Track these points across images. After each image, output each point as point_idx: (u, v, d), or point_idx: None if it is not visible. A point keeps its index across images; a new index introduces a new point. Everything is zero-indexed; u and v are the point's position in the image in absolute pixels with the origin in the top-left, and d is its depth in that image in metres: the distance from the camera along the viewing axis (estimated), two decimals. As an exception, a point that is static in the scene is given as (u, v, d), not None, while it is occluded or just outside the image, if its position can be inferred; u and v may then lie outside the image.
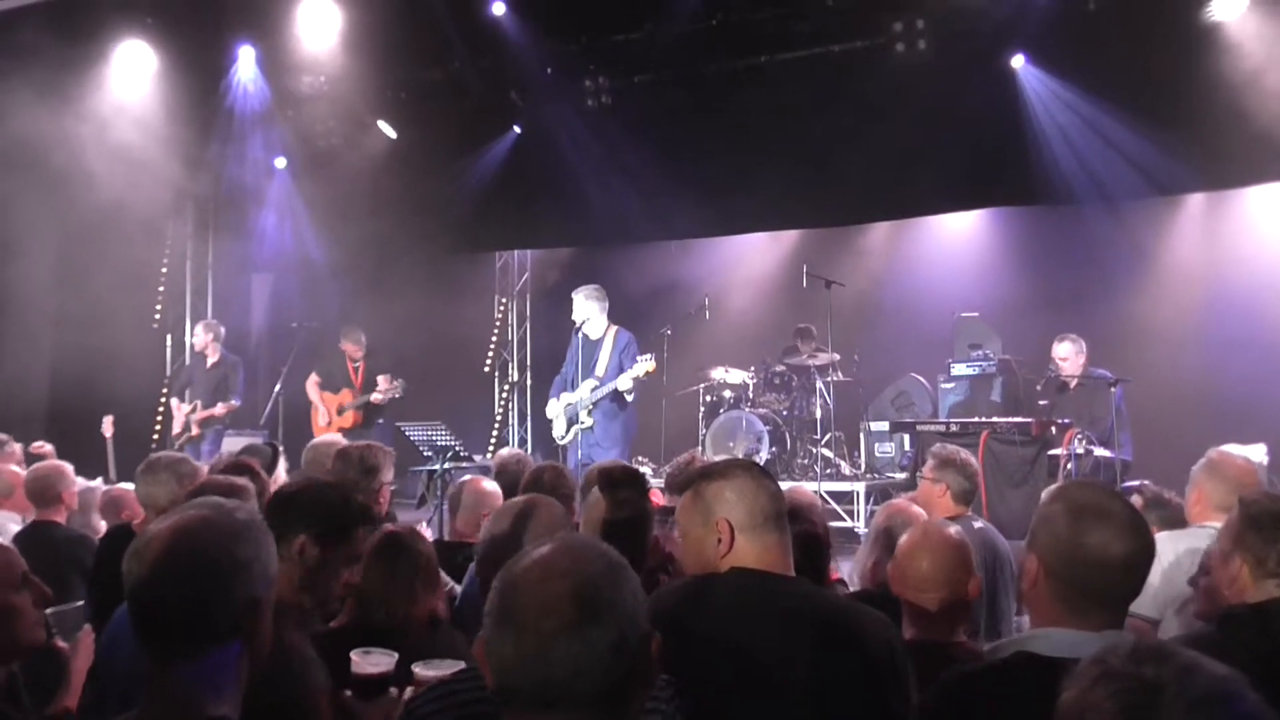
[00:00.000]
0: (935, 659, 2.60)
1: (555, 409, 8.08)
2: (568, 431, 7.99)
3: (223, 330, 9.75)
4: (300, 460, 5.11)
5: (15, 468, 5.43)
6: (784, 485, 4.97)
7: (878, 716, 2.11)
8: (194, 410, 9.42)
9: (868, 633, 2.19)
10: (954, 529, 2.87)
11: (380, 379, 9.11)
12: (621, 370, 7.78)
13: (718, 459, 2.64)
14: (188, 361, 11.00)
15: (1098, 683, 1.30)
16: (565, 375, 8.13)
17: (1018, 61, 8.56)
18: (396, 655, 2.40)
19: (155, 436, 10.79)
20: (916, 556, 2.74)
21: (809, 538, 3.01)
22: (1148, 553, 1.98)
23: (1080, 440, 7.03)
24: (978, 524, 4.19)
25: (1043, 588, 1.99)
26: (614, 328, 7.99)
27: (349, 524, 2.59)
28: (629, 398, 7.83)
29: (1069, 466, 6.97)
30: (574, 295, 8.01)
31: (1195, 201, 9.50)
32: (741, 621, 2.17)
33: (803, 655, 2.10)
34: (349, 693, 2.36)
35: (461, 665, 2.40)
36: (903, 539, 2.87)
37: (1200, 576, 2.82)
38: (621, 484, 3.17)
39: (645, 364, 7.68)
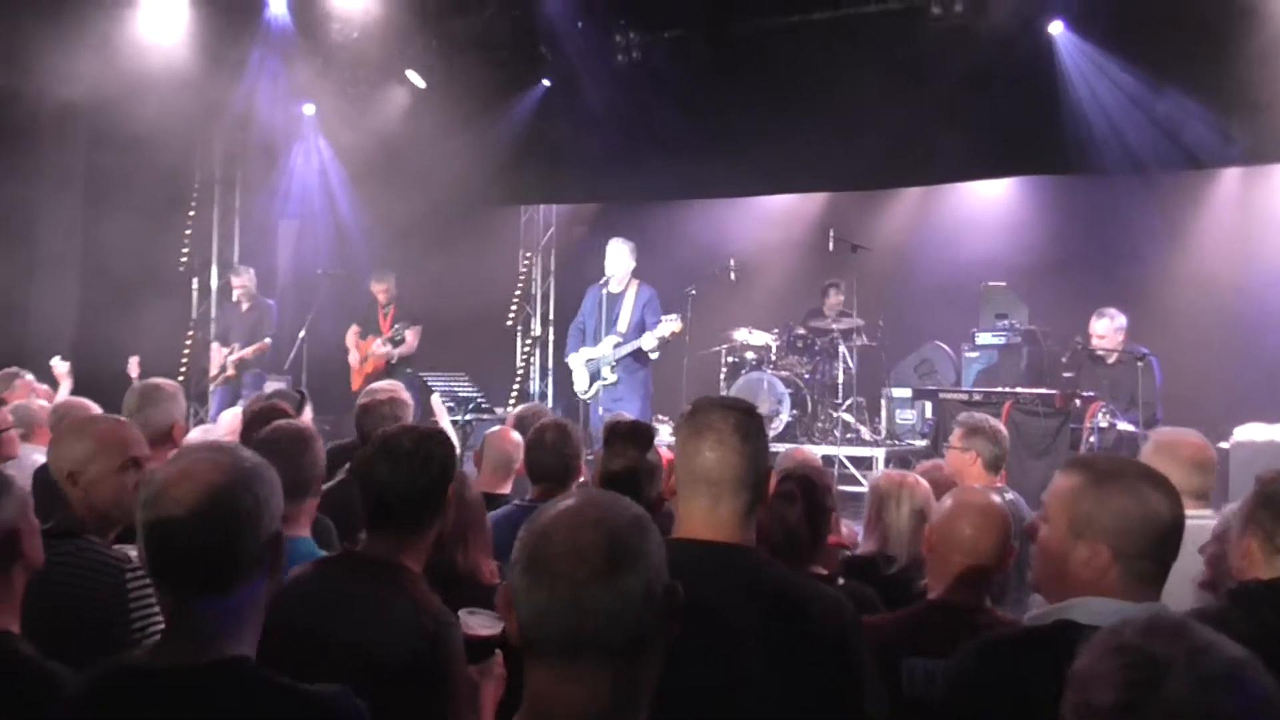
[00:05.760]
0: (962, 624, 2.61)
1: (576, 363, 8.07)
2: (590, 386, 8.00)
3: (252, 276, 9.92)
4: (325, 406, 5.14)
5: (43, 402, 5.48)
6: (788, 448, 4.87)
7: (826, 697, 2.05)
8: (231, 352, 9.61)
9: (814, 611, 2.11)
10: (996, 496, 2.85)
11: (408, 332, 9.15)
12: (643, 326, 7.77)
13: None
14: (214, 305, 11.16)
15: (1108, 654, 1.30)
16: (582, 327, 8.11)
17: (1056, 28, 8.42)
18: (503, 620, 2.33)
19: (180, 378, 10.89)
20: (959, 521, 2.73)
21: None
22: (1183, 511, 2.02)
23: (1104, 414, 6.98)
24: (1009, 495, 4.06)
25: (1114, 574, 1.95)
26: (635, 282, 7.98)
27: None
28: (653, 356, 7.82)
29: (1091, 440, 6.93)
30: (611, 244, 7.97)
31: (1231, 176, 9.35)
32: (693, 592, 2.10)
33: (752, 631, 2.04)
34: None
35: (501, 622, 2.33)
36: (945, 501, 2.84)
37: (1210, 544, 2.81)
38: (620, 437, 3.25)
39: (671, 324, 7.64)
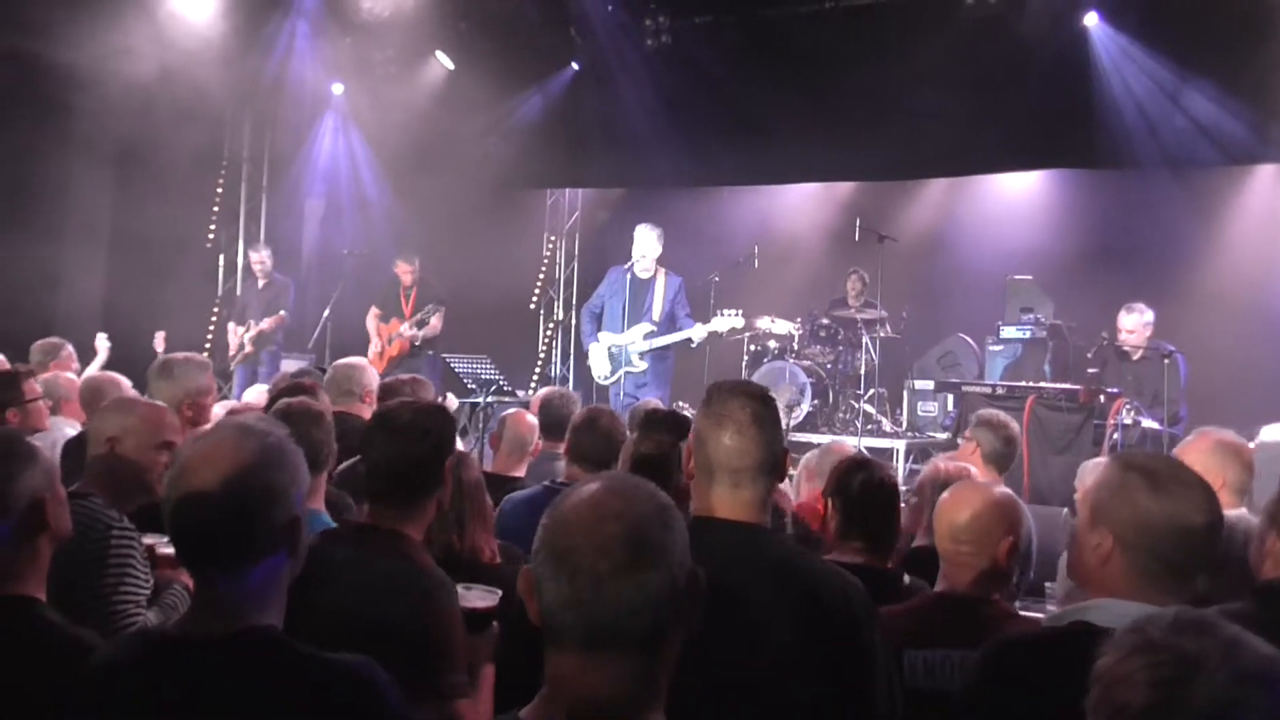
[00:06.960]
0: (965, 615, 2.62)
1: (598, 348, 8.02)
2: (613, 373, 7.96)
3: (270, 253, 9.93)
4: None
5: (71, 375, 5.54)
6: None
7: (840, 674, 2.08)
8: (248, 329, 9.62)
9: (825, 592, 2.14)
10: (998, 487, 2.84)
11: (434, 316, 9.15)
12: (674, 317, 7.75)
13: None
14: (239, 283, 11.20)
15: (1135, 652, 1.28)
16: (597, 311, 8.06)
17: (1091, 20, 8.34)
18: (500, 592, 2.41)
19: (205, 354, 10.97)
20: (954, 510, 2.72)
21: None
22: (1222, 523, 1.98)
23: (1129, 410, 6.93)
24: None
25: (1116, 563, 1.94)
26: (662, 270, 7.93)
27: None
28: (692, 346, 7.81)
29: (1115, 436, 6.88)
30: (639, 229, 7.89)
31: (1265, 172, 9.24)
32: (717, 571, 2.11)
33: (777, 609, 2.08)
34: None
35: (499, 594, 2.43)
36: (945, 493, 2.85)
37: None
38: (658, 424, 3.24)
39: (733, 319, 7.61)
